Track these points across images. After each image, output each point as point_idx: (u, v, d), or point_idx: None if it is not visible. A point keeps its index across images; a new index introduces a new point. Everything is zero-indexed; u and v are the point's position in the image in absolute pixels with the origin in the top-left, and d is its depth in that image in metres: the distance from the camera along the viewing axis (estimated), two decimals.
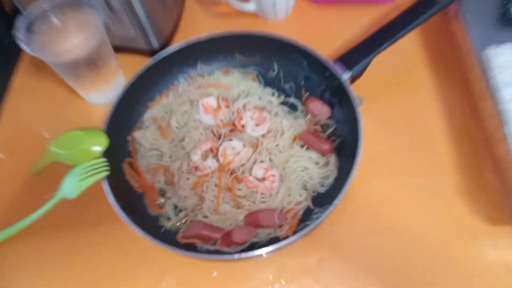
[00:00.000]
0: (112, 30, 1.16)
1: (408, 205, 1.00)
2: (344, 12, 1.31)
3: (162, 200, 1.02)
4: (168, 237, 0.95)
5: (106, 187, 0.93)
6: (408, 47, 1.22)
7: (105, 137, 0.99)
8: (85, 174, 0.93)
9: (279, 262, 0.96)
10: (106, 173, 0.94)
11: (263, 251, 0.84)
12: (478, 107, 1.06)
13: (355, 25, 1.27)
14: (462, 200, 1.00)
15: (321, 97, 1.12)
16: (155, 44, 1.21)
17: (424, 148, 1.07)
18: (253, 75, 1.18)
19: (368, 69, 1.09)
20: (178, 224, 0.99)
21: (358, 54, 1.06)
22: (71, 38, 1.04)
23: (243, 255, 0.84)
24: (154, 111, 1.14)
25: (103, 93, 1.17)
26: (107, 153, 0.99)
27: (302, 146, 1.05)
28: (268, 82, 1.17)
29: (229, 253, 0.88)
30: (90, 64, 1.07)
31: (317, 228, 0.91)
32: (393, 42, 1.05)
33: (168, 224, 0.98)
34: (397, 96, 1.15)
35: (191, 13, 1.37)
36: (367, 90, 1.11)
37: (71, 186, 0.93)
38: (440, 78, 1.16)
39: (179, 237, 0.95)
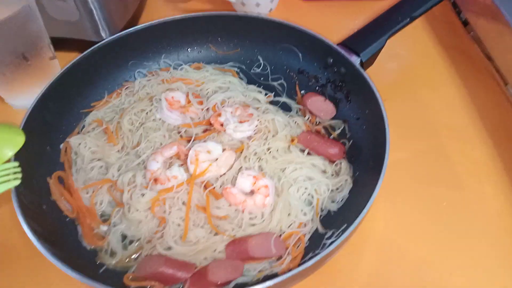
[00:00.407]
0: (50, 12, 0.89)
1: (443, 227, 0.73)
2: (339, 8, 1.11)
3: (104, 227, 0.70)
4: (110, 280, 0.63)
5: (14, 203, 0.61)
6: (419, 39, 1.02)
7: (20, 135, 0.68)
8: None
9: None
10: (15, 183, 0.62)
11: None
12: None
13: (350, 22, 1.06)
14: None
15: (321, 94, 0.87)
16: (106, 34, 0.94)
17: (456, 154, 0.82)
18: (232, 72, 0.92)
19: (377, 59, 0.86)
20: (126, 260, 0.66)
21: (368, 36, 0.84)
22: None
23: None
24: (101, 112, 0.85)
25: (30, 93, 0.86)
26: (24, 161, 0.68)
27: (302, 150, 0.77)
28: (251, 80, 0.92)
29: None
30: (15, 52, 0.80)
31: (330, 259, 0.62)
32: (413, 19, 0.83)
33: (111, 262, 0.66)
34: (415, 94, 0.92)
35: (153, 7, 1.12)
36: (378, 86, 0.87)
37: None
38: (464, 73, 0.94)
39: (126, 279, 0.63)
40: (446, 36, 1.02)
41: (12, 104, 0.90)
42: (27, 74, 0.86)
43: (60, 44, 0.92)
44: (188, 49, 0.95)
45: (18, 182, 0.63)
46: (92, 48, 0.84)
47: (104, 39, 0.90)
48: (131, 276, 0.63)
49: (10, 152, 0.66)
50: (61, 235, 0.67)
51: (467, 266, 0.68)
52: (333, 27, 1.03)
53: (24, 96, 0.88)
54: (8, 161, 0.66)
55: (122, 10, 0.99)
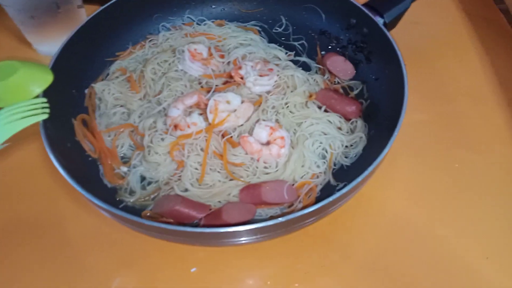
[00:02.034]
0: None
1: (458, 186, 0.74)
2: None
3: (124, 168, 0.73)
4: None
5: (42, 136, 0.64)
6: (445, 7, 1.01)
7: (49, 73, 0.71)
8: (15, 116, 0.64)
9: (289, 259, 0.67)
10: (44, 116, 0.65)
11: (260, 224, 0.55)
12: None
13: None
14: None
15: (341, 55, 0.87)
16: None
17: (479, 119, 0.83)
18: (254, 31, 0.93)
19: (400, 23, 0.86)
20: (145, 199, 0.69)
21: None
22: None
23: (233, 228, 0.55)
24: (125, 62, 0.87)
25: (57, 40, 0.89)
26: (53, 103, 0.71)
27: (319, 107, 0.78)
28: (273, 40, 0.92)
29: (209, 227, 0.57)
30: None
31: (340, 206, 0.64)
32: None
33: (130, 199, 0.69)
34: (436, 60, 0.92)
35: None
36: (399, 49, 0.87)
37: None
38: (486, 40, 0.94)
39: (144, 215, 0.66)
40: (473, 6, 1.01)
41: (39, 50, 0.93)
42: (56, 20, 0.88)
43: None
44: (212, 6, 0.95)
45: (46, 116, 0.66)
46: None
47: None
48: (148, 213, 0.66)
49: (39, 89, 0.69)
50: (84, 171, 0.70)
51: (474, 224, 0.70)
52: None
53: (51, 42, 0.91)
54: (37, 97, 0.69)
55: None
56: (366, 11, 0.81)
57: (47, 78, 0.70)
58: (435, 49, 0.93)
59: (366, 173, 0.60)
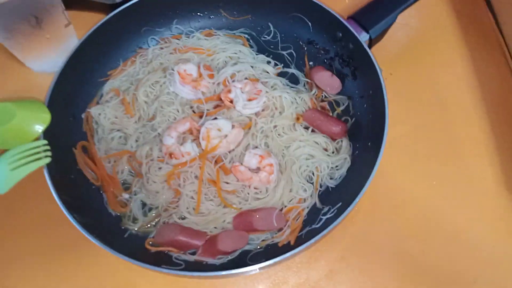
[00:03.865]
0: None
1: (439, 199, 0.80)
2: None
3: (126, 195, 0.78)
4: (134, 243, 0.73)
5: (47, 178, 0.69)
6: (434, 10, 1.00)
7: (47, 112, 0.74)
8: (19, 162, 0.69)
9: (276, 278, 0.74)
10: (47, 160, 0.70)
11: (256, 266, 0.62)
12: None
13: None
14: (505, 191, 0.80)
15: (328, 67, 0.90)
16: None
17: (457, 129, 0.87)
18: (242, 39, 0.94)
19: (387, 33, 0.87)
20: (147, 226, 0.76)
21: (379, 11, 0.84)
22: None
23: (232, 271, 0.62)
24: (117, 81, 0.89)
25: (48, 58, 0.92)
26: (51, 134, 0.75)
27: (306, 128, 0.82)
28: (261, 48, 0.94)
29: (213, 267, 0.65)
30: (27, 15, 0.82)
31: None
32: None
33: (134, 227, 0.75)
34: (421, 67, 0.94)
35: None
36: (385, 58, 0.90)
37: None
38: (473, 46, 0.95)
39: (147, 243, 0.72)
40: (461, 5, 1.01)
41: (32, 68, 0.94)
42: (42, 41, 0.89)
43: (73, 3, 0.94)
44: (200, 14, 0.96)
45: (49, 160, 0.70)
46: (109, 16, 0.86)
47: (117, 2, 0.91)
48: (150, 242, 0.73)
49: (40, 129, 0.72)
50: (89, 202, 0.76)
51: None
52: None
53: (43, 61, 0.92)
54: (37, 138, 0.72)
55: None
56: (351, 28, 0.82)
57: (45, 117, 0.73)
58: (420, 54, 0.95)
59: (350, 208, 0.66)
